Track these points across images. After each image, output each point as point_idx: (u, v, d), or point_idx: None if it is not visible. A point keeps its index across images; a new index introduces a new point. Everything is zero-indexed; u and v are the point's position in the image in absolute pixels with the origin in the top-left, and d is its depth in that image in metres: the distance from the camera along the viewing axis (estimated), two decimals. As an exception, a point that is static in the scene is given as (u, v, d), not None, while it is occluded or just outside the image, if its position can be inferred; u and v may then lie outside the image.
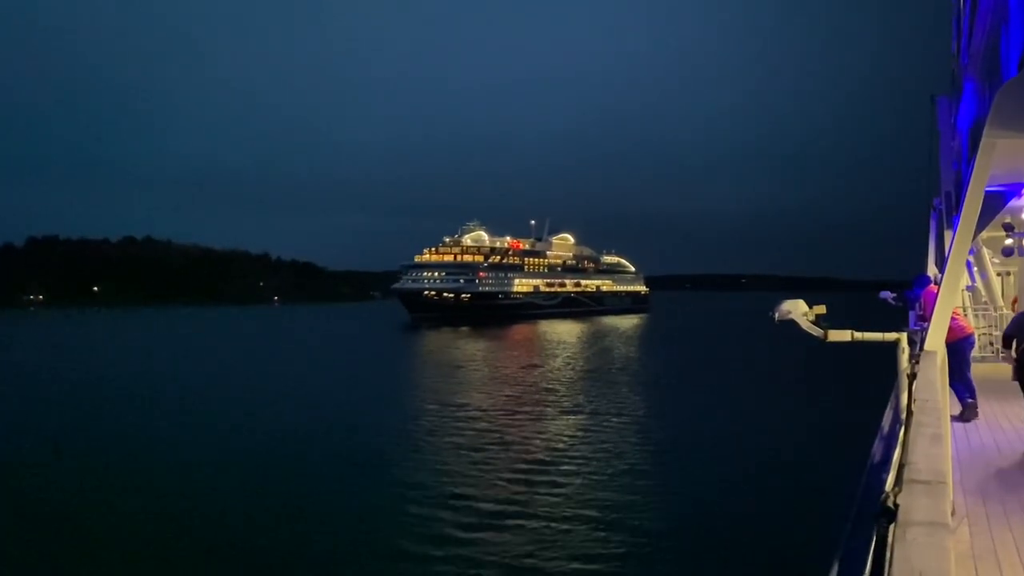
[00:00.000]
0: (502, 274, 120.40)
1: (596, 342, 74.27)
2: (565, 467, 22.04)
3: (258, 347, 68.81)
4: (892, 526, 2.10)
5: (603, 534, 16.36)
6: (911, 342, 6.96)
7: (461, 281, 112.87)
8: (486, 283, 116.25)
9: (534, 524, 16.60)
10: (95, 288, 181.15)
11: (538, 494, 19.00)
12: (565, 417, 30.48)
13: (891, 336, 6.64)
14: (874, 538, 2.43)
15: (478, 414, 30.93)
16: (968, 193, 5.11)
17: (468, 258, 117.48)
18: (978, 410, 8.10)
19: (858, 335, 6.53)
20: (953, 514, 4.66)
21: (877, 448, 6.10)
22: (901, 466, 2.80)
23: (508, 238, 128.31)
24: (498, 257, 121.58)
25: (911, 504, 2.07)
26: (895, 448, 4.32)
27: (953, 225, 6.60)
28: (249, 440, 25.88)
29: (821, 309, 6.56)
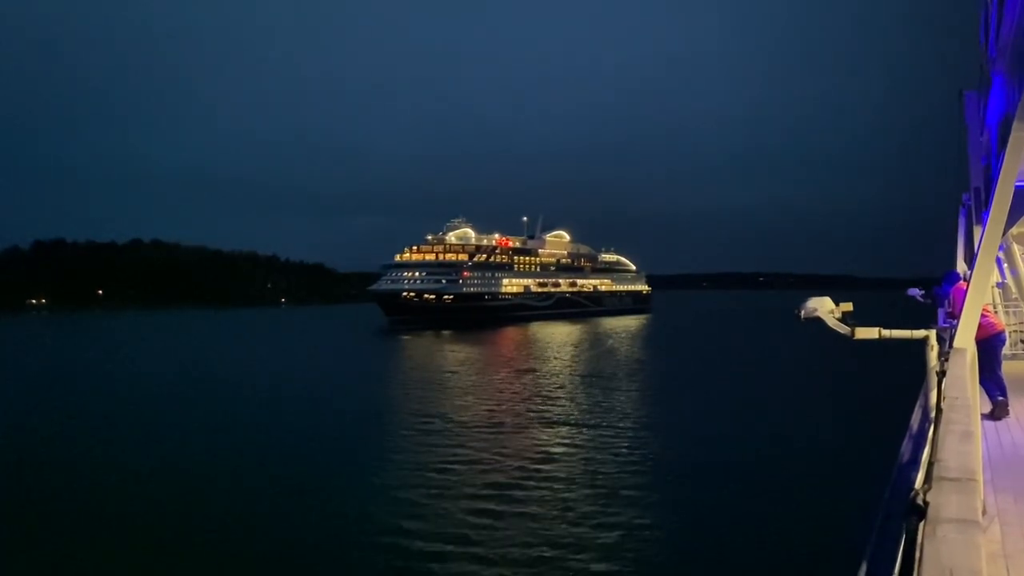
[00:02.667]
0: (489, 274, 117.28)
1: (589, 345, 72.99)
2: (559, 483, 21.62)
3: (225, 356, 65.80)
4: (922, 524, 2.16)
5: (609, 542, 16.29)
6: (940, 339, 7.01)
7: (443, 281, 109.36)
8: (471, 283, 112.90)
9: (519, 551, 16.13)
10: (99, 291, 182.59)
11: (523, 516, 18.58)
12: (554, 428, 29.77)
13: (920, 333, 6.68)
14: (903, 536, 2.49)
15: (450, 427, 29.99)
16: (997, 188, 5.19)
17: (451, 257, 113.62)
18: (1009, 408, 8.11)
19: (886, 332, 6.58)
20: (984, 513, 4.71)
21: (906, 446, 6.16)
22: (931, 464, 2.87)
23: (497, 235, 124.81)
24: (484, 256, 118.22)
25: (941, 501, 2.15)
26: (924, 446, 4.40)
27: (982, 221, 6.65)
28: (200, 462, 24.97)
29: (848, 307, 6.66)
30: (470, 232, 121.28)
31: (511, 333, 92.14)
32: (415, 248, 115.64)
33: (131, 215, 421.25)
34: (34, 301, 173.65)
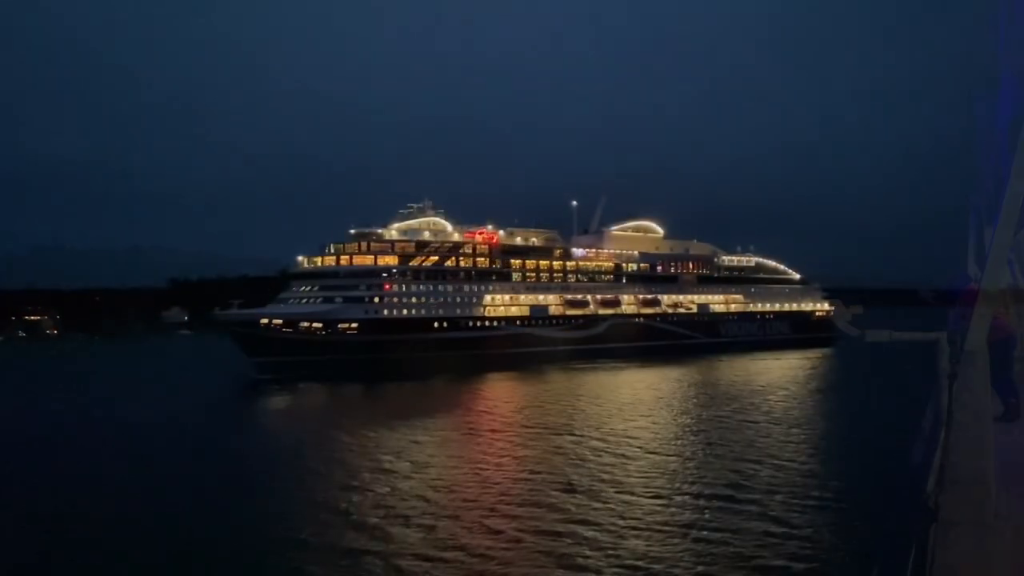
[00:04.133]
0: (461, 286, 78.85)
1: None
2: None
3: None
4: (932, 526, 2.16)
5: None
6: (951, 342, 7.03)
7: (338, 300, 71.77)
8: (401, 301, 74.48)
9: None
10: (97, 298, 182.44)
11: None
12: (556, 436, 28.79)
13: (931, 336, 6.71)
14: (915, 538, 2.50)
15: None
16: (1008, 191, 5.19)
17: (387, 260, 74.96)
18: (1021, 411, 8.09)
19: (896, 335, 6.62)
20: (995, 517, 4.70)
21: (918, 449, 6.17)
22: (942, 467, 2.88)
23: (489, 227, 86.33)
24: (436, 257, 78.43)
25: (951, 505, 2.14)
26: (936, 449, 4.40)
27: (993, 223, 6.67)
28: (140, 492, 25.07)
29: (858, 309, 6.70)
30: (446, 224, 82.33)
31: (491, 387, 58.57)
32: (343, 246, 77.38)
33: (131, 219, 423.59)
34: (33, 318, 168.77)
